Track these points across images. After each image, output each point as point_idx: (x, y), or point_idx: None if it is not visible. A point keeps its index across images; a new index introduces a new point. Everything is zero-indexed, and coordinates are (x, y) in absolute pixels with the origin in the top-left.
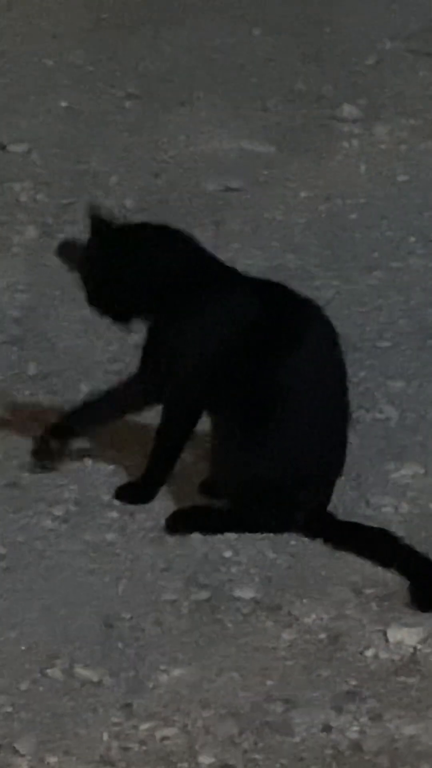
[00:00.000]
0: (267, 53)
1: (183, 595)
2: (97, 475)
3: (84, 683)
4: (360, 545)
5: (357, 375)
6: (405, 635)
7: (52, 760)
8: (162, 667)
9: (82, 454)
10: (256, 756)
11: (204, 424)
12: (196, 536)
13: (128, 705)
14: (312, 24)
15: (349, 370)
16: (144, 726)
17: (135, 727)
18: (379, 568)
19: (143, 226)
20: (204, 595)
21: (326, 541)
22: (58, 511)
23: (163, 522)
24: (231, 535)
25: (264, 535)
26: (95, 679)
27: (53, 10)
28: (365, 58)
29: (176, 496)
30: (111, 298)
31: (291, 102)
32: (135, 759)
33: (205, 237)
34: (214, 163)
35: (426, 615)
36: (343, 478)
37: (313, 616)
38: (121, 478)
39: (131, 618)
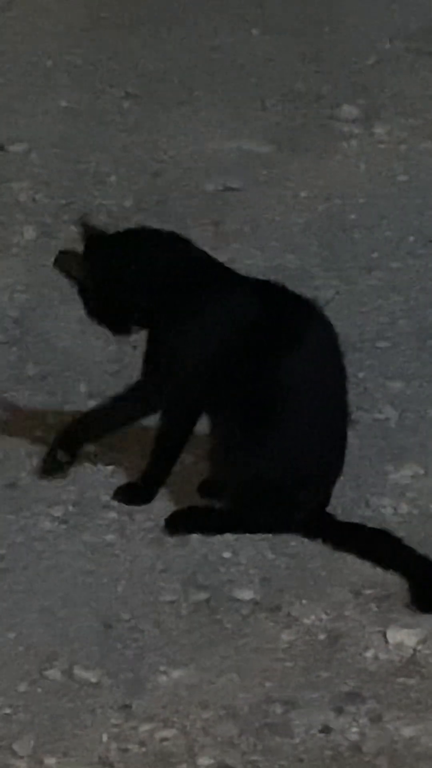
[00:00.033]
0: (266, 53)
1: (182, 596)
2: (96, 476)
3: (83, 684)
4: (359, 546)
5: (356, 375)
6: (405, 636)
7: (51, 761)
8: (161, 668)
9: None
10: (256, 757)
11: (204, 424)
12: (195, 537)
13: (127, 706)
14: (311, 23)
15: (349, 371)
16: (143, 727)
17: (134, 729)
18: (379, 569)
19: (137, 232)
20: (203, 596)
21: (326, 541)
22: (56, 512)
23: (162, 523)
24: (230, 536)
25: (263, 535)
26: (94, 680)
27: (52, 10)
28: (365, 58)
29: (175, 497)
30: (111, 307)
31: (290, 102)
32: (134, 760)
33: (204, 237)
34: (214, 162)
35: (426, 616)
36: (342, 478)
37: (313, 617)
38: (120, 479)
39: (130, 619)
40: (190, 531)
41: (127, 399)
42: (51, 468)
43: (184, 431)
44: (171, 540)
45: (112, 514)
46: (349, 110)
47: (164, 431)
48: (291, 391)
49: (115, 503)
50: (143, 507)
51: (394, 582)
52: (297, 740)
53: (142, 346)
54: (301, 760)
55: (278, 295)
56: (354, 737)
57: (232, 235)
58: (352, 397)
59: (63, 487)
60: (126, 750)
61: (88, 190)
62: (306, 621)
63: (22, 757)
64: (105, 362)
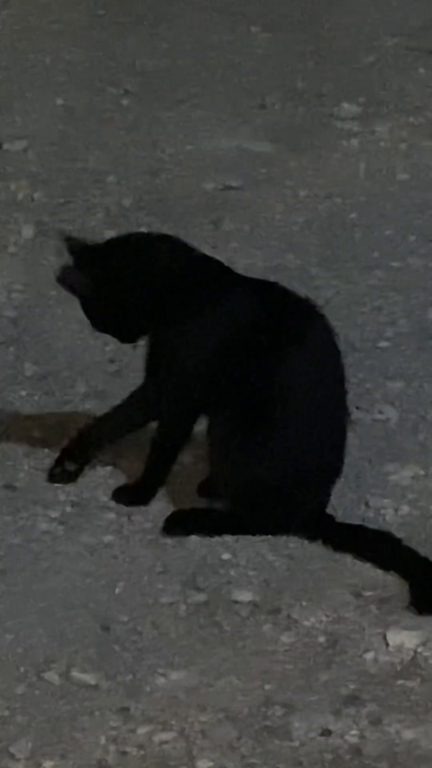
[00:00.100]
0: (266, 51)
1: (181, 598)
2: (94, 477)
3: (81, 687)
4: (359, 547)
5: (356, 375)
6: (405, 638)
7: (49, 764)
8: (160, 671)
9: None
10: (255, 761)
11: (203, 424)
12: (194, 538)
13: (125, 709)
14: (311, 21)
15: (349, 371)
16: (141, 730)
17: (132, 732)
18: (379, 571)
19: (129, 238)
20: (202, 597)
21: (325, 543)
22: (54, 513)
23: (161, 524)
24: (229, 538)
25: (263, 537)
26: (92, 682)
27: (50, 7)
28: (365, 56)
29: (174, 498)
30: (116, 316)
31: (290, 100)
32: (132, 763)
33: (203, 236)
34: (213, 161)
35: (426, 618)
36: (342, 479)
37: (313, 619)
38: (119, 480)
39: (128, 621)
40: (189, 532)
41: (131, 405)
42: (59, 478)
43: (183, 432)
44: (170, 541)
45: (111, 515)
46: (349, 108)
47: (163, 432)
48: (290, 392)
49: (113, 504)
50: (142, 508)
51: (394, 584)
52: (296, 743)
53: (141, 347)
54: (300, 764)
55: (277, 296)
56: (354, 740)
57: (231, 235)
58: (353, 397)
59: (61, 489)
60: (124, 753)
61: (87, 188)
62: (306, 623)
63: (19, 760)
64: (104, 362)
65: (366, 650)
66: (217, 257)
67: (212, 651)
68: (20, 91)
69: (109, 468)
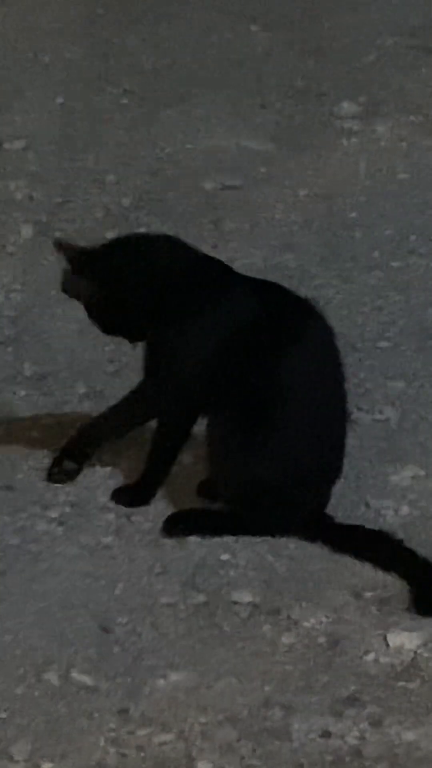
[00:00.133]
0: (266, 49)
1: (180, 599)
2: (93, 478)
3: (80, 688)
4: (360, 548)
5: (357, 375)
6: (405, 639)
7: (48, 765)
8: (159, 672)
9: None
10: (255, 762)
11: (202, 425)
12: (193, 539)
13: (125, 710)
14: (311, 19)
15: (349, 371)
16: (141, 732)
17: (132, 733)
18: (379, 572)
19: (129, 240)
20: (202, 598)
21: (325, 544)
22: (53, 514)
23: (160, 524)
24: (229, 538)
25: (262, 538)
26: (91, 684)
27: (49, 6)
28: (365, 55)
29: (174, 498)
30: (123, 317)
31: (290, 99)
32: (131, 765)
33: (203, 236)
34: (212, 160)
35: (427, 619)
36: (342, 480)
37: (312, 620)
38: (118, 480)
39: (128, 622)
40: (189, 533)
41: (130, 404)
42: (58, 477)
43: (183, 432)
44: (169, 542)
45: (110, 516)
46: (349, 107)
47: (162, 432)
48: (290, 392)
49: (112, 505)
50: (141, 509)
51: (394, 585)
52: (296, 745)
53: (141, 347)
54: (300, 765)
55: (277, 296)
56: (354, 742)
57: (231, 234)
58: (353, 397)
59: (60, 489)
60: (124, 755)
61: (86, 188)
62: (306, 624)
63: (18, 762)
64: (103, 362)
65: (366, 651)
66: (217, 257)
67: (212, 652)
68: (19, 90)
69: (108, 468)
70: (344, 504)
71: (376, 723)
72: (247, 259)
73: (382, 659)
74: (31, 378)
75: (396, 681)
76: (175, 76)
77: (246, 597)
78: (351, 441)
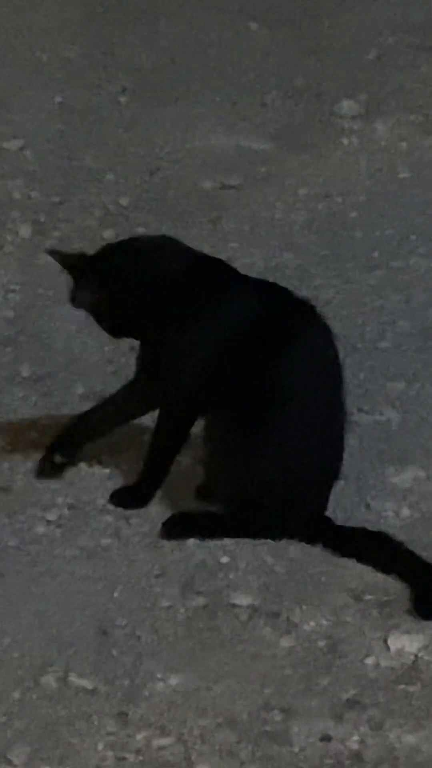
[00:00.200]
0: (265, 47)
1: (179, 602)
2: (91, 479)
3: (78, 691)
4: (360, 550)
5: (357, 376)
6: (406, 642)
7: None
8: (158, 675)
9: (77, 459)
10: (254, 766)
11: (200, 426)
12: (192, 541)
13: (123, 714)
14: (311, 17)
15: (349, 372)
16: (139, 735)
17: (130, 737)
18: (380, 574)
19: (126, 245)
20: (201, 601)
21: (325, 546)
22: (51, 516)
23: (159, 527)
24: (228, 541)
25: (262, 540)
26: (90, 687)
27: (46, 4)
28: (366, 53)
29: (173, 500)
30: (130, 321)
31: (290, 97)
32: None
33: (202, 236)
34: (211, 160)
35: (427, 622)
36: (342, 481)
37: (312, 623)
38: (117, 482)
39: (126, 625)
40: (188, 535)
41: (121, 399)
42: (47, 470)
43: (182, 433)
44: (168, 544)
45: (108, 518)
46: (349, 106)
47: (161, 433)
48: (289, 392)
49: (111, 507)
50: (140, 511)
51: (395, 587)
52: (296, 748)
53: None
54: None
55: (277, 296)
56: (354, 745)
57: (230, 234)
58: (353, 398)
59: (58, 491)
60: (122, 758)
61: (84, 187)
62: (305, 627)
63: (16, 766)
64: (102, 363)
65: (366, 654)
66: (217, 257)
67: (211, 655)
68: (16, 89)
69: (106, 470)
70: (344, 506)
71: (376, 726)
72: (247, 259)
73: (383, 662)
74: (29, 379)
75: (397, 684)
76: (174, 75)
77: (245, 600)
78: (351, 442)
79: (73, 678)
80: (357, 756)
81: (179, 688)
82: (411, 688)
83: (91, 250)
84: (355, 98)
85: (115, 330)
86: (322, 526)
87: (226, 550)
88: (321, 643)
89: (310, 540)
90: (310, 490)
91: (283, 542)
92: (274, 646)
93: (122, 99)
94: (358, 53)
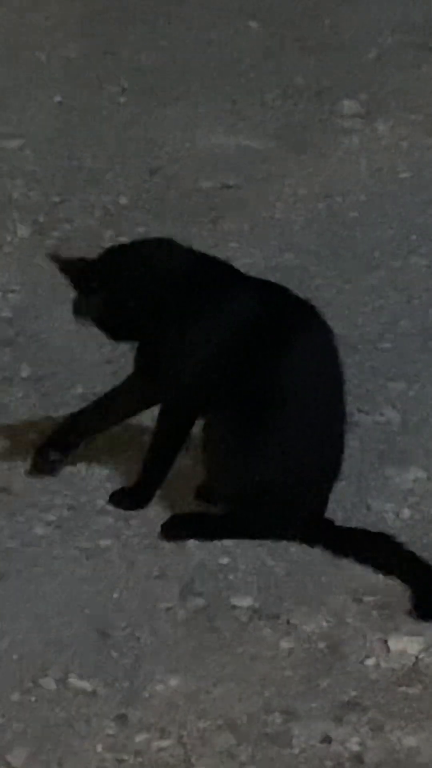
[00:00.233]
0: (265, 47)
1: (179, 603)
2: (91, 480)
3: (77, 693)
4: (360, 551)
5: (357, 377)
6: (406, 644)
7: None
8: (157, 677)
9: (76, 459)
10: None
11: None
12: (192, 542)
13: (123, 716)
14: (311, 17)
15: (349, 372)
16: (139, 737)
17: (130, 739)
18: (380, 576)
19: (125, 250)
20: (201, 602)
21: (325, 547)
22: (51, 517)
23: (158, 528)
24: (228, 542)
25: (262, 541)
26: (89, 689)
27: (47, 3)
28: (366, 52)
29: (172, 501)
30: (129, 325)
31: (290, 97)
32: None
33: (202, 235)
34: (211, 159)
35: (428, 623)
36: (343, 482)
37: (313, 624)
38: (116, 483)
39: (126, 626)
40: (188, 536)
41: (118, 397)
42: (42, 467)
43: (182, 434)
44: (168, 546)
45: (108, 519)
46: (350, 106)
47: (161, 433)
48: (289, 393)
49: (110, 508)
50: (139, 512)
51: (395, 589)
52: (297, 750)
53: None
54: None
55: (277, 296)
56: (355, 747)
57: (230, 234)
58: (353, 399)
59: (57, 492)
60: (121, 760)
61: (83, 187)
62: (306, 628)
63: None
64: (101, 363)
65: (367, 656)
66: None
67: (211, 657)
68: (16, 88)
69: (106, 471)
70: (345, 506)
71: (377, 728)
72: (247, 259)
73: (383, 664)
74: (28, 379)
75: (397, 686)
76: (174, 74)
77: (245, 601)
78: (352, 443)
79: (72, 679)
80: (357, 758)
81: (179, 689)
82: (411, 690)
83: (91, 250)
84: (356, 98)
85: (117, 334)
86: (322, 526)
87: (225, 551)
88: (321, 645)
89: (310, 541)
90: (310, 491)
91: (283, 543)
92: (274, 648)
93: (122, 98)
94: (358, 53)
